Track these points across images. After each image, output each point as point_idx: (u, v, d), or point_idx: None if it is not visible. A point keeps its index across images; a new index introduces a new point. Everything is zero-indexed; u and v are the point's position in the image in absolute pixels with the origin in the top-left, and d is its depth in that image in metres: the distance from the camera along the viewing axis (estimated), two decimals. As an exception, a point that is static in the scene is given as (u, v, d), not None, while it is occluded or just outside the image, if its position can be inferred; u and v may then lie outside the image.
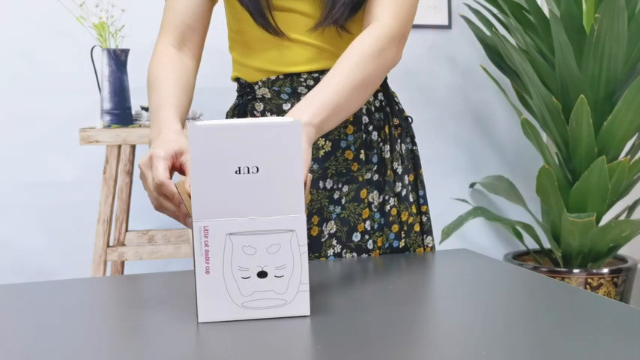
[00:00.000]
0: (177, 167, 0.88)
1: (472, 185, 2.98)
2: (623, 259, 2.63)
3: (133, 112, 2.22)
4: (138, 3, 2.51)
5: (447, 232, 2.68)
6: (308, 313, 0.77)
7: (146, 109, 2.19)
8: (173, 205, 0.84)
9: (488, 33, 2.73)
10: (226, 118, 1.22)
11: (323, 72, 1.11)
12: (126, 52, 2.14)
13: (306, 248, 0.76)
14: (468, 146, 2.97)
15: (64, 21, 2.44)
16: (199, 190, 0.73)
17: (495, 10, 2.79)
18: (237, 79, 1.18)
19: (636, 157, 2.49)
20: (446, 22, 2.87)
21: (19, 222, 2.50)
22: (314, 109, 0.90)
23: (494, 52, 2.71)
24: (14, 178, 2.49)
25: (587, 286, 2.43)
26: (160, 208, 0.86)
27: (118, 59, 2.12)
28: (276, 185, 0.75)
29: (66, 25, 2.45)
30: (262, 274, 0.75)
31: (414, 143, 1.21)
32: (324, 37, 1.10)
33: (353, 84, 0.96)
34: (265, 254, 0.75)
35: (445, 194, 2.95)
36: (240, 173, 0.74)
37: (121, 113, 2.14)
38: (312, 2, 1.08)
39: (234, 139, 0.73)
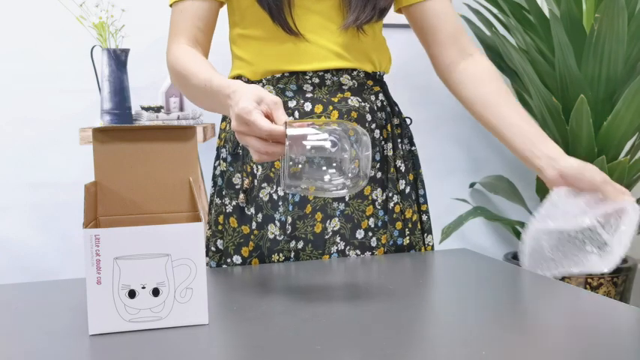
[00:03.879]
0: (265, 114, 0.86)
1: (472, 185, 2.98)
2: (623, 259, 2.63)
3: (133, 112, 2.22)
4: (138, 3, 2.51)
5: (447, 232, 2.68)
6: (206, 322, 0.77)
7: (146, 109, 2.19)
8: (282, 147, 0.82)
9: (488, 33, 2.73)
10: (224, 117, 1.21)
11: (327, 71, 1.11)
12: (126, 52, 2.14)
13: (183, 261, 0.76)
14: (468, 146, 2.97)
15: (64, 21, 2.44)
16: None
17: (495, 10, 2.79)
18: (238, 77, 1.17)
19: (636, 157, 2.49)
20: (446, 22, 2.87)
21: (19, 222, 2.50)
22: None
23: (495, 52, 2.71)
24: (14, 178, 2.49)
25: (587, 286, 2.44)
26: (267, 155, 0.83)
27: (118, 59, 2.12)
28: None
29: (66, 25, 2.45)
30: (145, 290, 0.75)
31: (412, 144, 1.23)
32: (341, 37, 1.11)
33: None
34: (146, 272, 0.74)
35: (445, 194, 2.95)
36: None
37: (121, 113, 2.14)
38: (332, 2, 1.10)
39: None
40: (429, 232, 1.22)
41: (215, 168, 1.20)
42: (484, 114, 1.11)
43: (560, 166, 1.01)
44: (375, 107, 1.16)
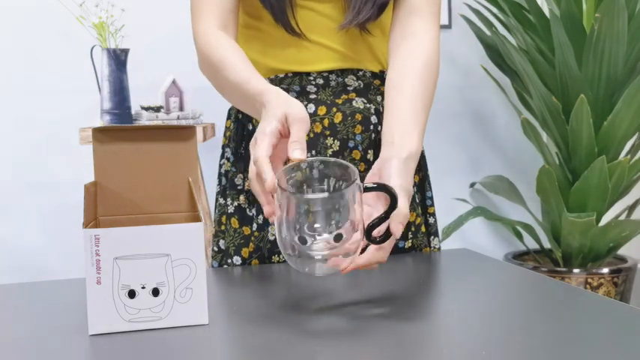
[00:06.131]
0: (285, 135, 0.82)
1: (472, 185, 2.98)
2: (623, 259, 2.63)
3: (133, 112, 2.22)
4: (138, 3, 2.51)
5: (447, 232, 2.68)
6: (206, 322, 0.76)
7: (146, 109, 2.19)
8: (259, 187, 0.79)
9: (488, 33, 2.73)
10: (229, 115, 1.21)
11: (332, 72, 1.10)
12: (126, 51, 2.14)
13: (182, 261, 0.75)
14: (468, 146, 2.97)
15: (64, 21, 2.44)
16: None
17: (495, 10, 2.79)
18: None
19: (636, 157, 2.49)
20: (446, 22, 2.87)
21: (19, 222, 2.50)
22: (419, 138, 0.94)
23: (495, 52, 2.71)
24: (14, 178, 2.49)
25: (587, 286, 2.44)
26: (252, 188, 0.81)
27: (118, 59, 2.12)
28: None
29: (66, 25, 2.45)
30: (145, 290, 0.75)
31: None
32: (344, 38, 1.10)
33: (429, 104, 1.03)
34: (148, 271, 0.74)
35: (445, 194, 2.95)
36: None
37: (121, 113, 2.14)
38: (335, 4, 1.08)
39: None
40: (436, 234, 1.19)
41: (220, 166, 1.19)
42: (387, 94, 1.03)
43: (381, 160, 0.90)
44: (381, 108, 1.15)
